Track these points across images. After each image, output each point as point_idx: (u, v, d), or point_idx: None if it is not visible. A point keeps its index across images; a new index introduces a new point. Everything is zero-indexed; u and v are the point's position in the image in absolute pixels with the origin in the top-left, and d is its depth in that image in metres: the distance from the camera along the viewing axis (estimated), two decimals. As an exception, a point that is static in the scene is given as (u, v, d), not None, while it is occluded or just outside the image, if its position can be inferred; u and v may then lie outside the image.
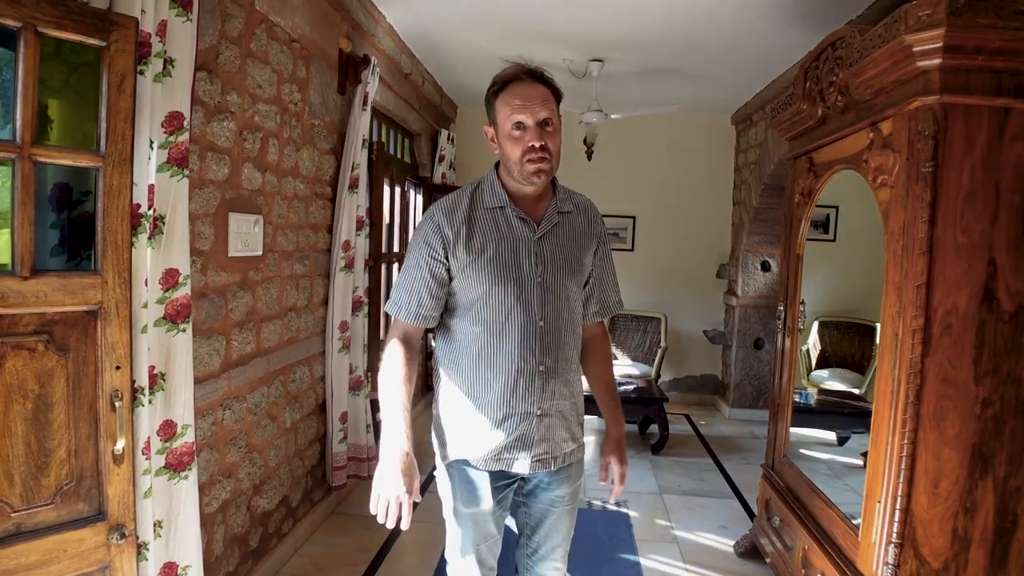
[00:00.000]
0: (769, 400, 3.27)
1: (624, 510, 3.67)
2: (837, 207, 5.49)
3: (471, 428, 1.65)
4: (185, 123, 1.97)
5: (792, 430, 3.15)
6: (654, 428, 4.82)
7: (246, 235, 2.58)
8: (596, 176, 6.13)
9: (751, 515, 3.69)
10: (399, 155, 5.07)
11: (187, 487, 2.01)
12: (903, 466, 2.02)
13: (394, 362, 1.62)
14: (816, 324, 5.52)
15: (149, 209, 1.82)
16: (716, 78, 4.80)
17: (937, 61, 1.90)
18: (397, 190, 4.90)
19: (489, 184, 1.68)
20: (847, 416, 4.47)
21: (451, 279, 1.64)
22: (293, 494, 3.08)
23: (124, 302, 1.68)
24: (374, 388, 3.83)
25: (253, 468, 2.70)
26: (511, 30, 4.03)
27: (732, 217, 6.11)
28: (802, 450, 4.12)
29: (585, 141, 5.32)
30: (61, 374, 1.60)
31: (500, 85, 1.60)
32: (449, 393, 1.70)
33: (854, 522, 2.29)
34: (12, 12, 1.47)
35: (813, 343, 5.49)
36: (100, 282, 1.64)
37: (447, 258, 1.61)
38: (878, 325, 5.10)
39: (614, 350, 6.18)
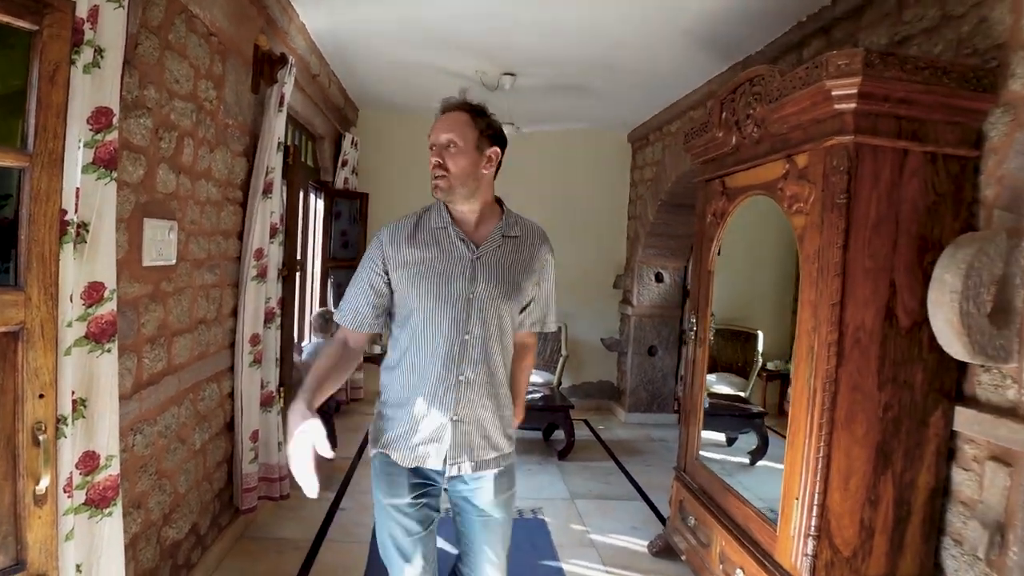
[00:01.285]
0: (680, 406, 3.46)
1: (541, 517, 3.72)
2: (720, 224, 5.92)
3: (395, 425, 1.79)
4: (115, 120, 1.78)
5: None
6: (558, 435, 4.93)
7: (160, 243, 2.37)
8: (499, 186, 6.14)
9: (659, 515, 3.88)
10: (303, 158, 4.85)
11: (110, 524, 1.81)
12: (820, 465, 2.22)
13: (325, 348, 1.85)
14: (705, 332, 5.92)
15: (75, 215, 1.63)
16: (619, 97, 5.01)
17: (852, 105, 2.12)
18: (320, 198, 4.68)
19: (437, 208, 1.84)
20: (736, 418, 4.82)
21: (392, 292, 1.80)
22: (202, 520, 2.85)
23: (50, 321, 1.50)
24: (286, 404, 3.63)
25: (163, 496, 2.47)
26: (426, 38, 3.99)
27: (628, 230, 6.39)
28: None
29: (489, 151, 5.36)
30: (-25, 405, 1.39)
31: (440, 112, 1.82)
32: (383, 393, 1.87)
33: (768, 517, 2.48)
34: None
35: (702, 350, 5.88)
36: (23, 299, 1.44)
37: (386, 272, 1.78)
38: (759, 333, 5.53)
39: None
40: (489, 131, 1.81)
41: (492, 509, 1.86)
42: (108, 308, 1.78)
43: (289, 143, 3.70)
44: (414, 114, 5.85)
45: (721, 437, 4.88)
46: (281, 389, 3.46)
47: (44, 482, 1.48)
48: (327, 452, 1.53)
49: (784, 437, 2.50)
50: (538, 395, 4.94)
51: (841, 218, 2.18)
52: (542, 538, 3.47)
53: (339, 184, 5.28)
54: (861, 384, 2.22)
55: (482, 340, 1.76)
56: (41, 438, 1.47)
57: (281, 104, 3.26)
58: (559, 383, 5.77)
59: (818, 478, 2.20)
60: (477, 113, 1.80)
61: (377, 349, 5.24)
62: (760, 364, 5.30)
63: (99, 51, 1.72)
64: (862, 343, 2.21)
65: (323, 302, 5.28)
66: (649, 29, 3.61)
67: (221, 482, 3.08)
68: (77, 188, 1.64)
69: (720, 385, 5.39)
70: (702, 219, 3.27)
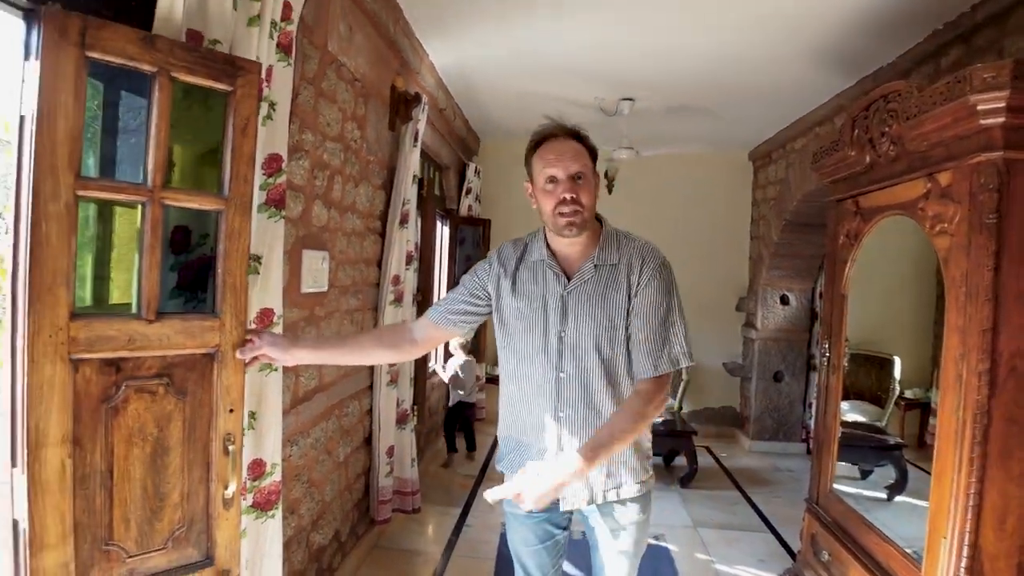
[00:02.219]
0: (809, 435, 3.34)
1: (663, 544, 3.69)
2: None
3: (506, 452, 1.85)
4: (283, 165, 2.02)
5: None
6: (679, 460, 4.85)
7: (316, 271, 2.61)
8: (617, 210, 6.15)
9: (787, 549, 3.73)
10: (431, 188, 5.13)
11: (272, 526, 2.02)
12: (971, 503, 2.08)
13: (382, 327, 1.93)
14: (837, 358, 5.63)
15: (251, 250, 1.85)
16: (739, 116, 4.95)
17: (1000, 120, 2.00)
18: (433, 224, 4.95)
19: (538, 239, 1.80)
20: (871, 449, 4.53)
21: (488, 310, 1.82)
22: (343, 528, 3.07)
23: (240, 344, 1.70)
24: (420, 421, 3.84)
25: (312, 503, 2.70)
26: (546, 68, 4.14)
27: (750, 251, 6.23)
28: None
29: (606, 174, 5.43)
30: (178, 417, 1.61)
31: (536, 142, 1.71)
32: (500, 415, 1.89)
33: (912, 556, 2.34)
34: (148, 57, 1.51)
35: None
36: (218, 324, 1.66)
37: (486, 290, 1.80)
38: (896, 358, 5.20)
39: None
40: (596, 156, 1.73)
41: (617, 534, 1.83)
42: (277, 332, 2.00)
43: (421, 175, 3.94)
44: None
45: (854, 469, 4.61)
46: (415, 407, 3.67)
47: (232, 487, 1.68)
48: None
49: (925, 471, 2.36)
50: (659, 420, 4.88)
51: (991, 239, 2.06)
52: (666, 566, 3.44)
53: (463, 211, 5.53)
54: (1018, 417, 2.07)
55: (579, 378, 1.69)
56: (230, 448, 1.67)
57: (416, 140, 3.50)
58: (680, 408, 5.69)
59: (969, 516, 2.06)
60: (585, 138, 1.72)
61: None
62: (897, 392, 4.97)
63: (272, 105, 1.97)
64: (1019, 372, 2.07)
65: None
66: (771, 47, 3.56)
67: (359, 493, 3.30)
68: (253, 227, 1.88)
69: (853, 414, 5.10)
70: (834, 240, 3.17)
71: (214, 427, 1.67)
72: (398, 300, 3.40)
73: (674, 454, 5.01)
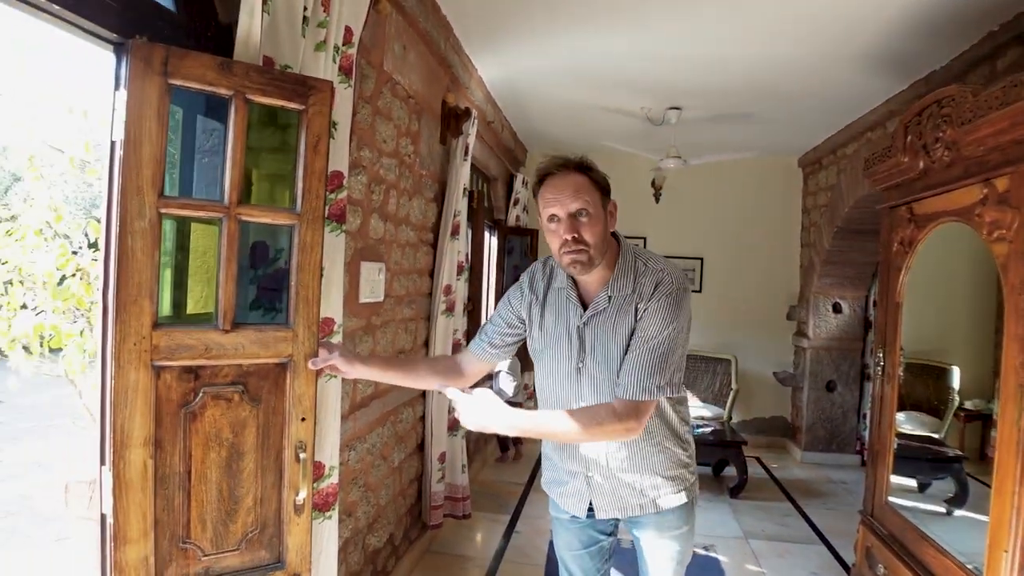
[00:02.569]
0: (864, 446, 3.28)
1: (713, 555, 3.66)
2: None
3: (547, 468, 1.93)
4: (344, 182, 2.11)
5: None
6: (729, 471, 4.80)
7: (373, 282, 2.71)
8: (664, 218, 6.25)
9: (841, 562, 3.67)
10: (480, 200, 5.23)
11: (330, 526, 2.10)
12: (1033, 518, 2.03)
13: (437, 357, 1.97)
14: (893, 367, 5.50)
15: (316, 263, 1.94)
16: (788, 122, 4.90)
17: (1060, 124, 1.96)
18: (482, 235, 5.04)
19: (556, 264, 1.75)
20: (929, 461, 4.41)
21: (525, 334, 1.85)
22: (397, 532, 3.15)
23: (312, 354, 1.78)
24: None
25: (368, 507, 2.78)
26: (592, 80, 4.19)
27: (801, 259, 6.15)
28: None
29: (653, 184, 5.44)
30: (252, 424, 1.70)
31: (537, 179, 1.69)
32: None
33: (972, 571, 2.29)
34: (225, 81, 1.61)
35: (890, 387, 5.46)
36: (291, 335, 1.74)
37: (521, 314, 1.83)
38: (954, 368, 5.06)
39: (687, 393, 6.18)
40: (605, 185, 1.67)
41: (659, 543, 1.85)
42: (337, 340, 2.09)
43: (476, 189, 4.03)
44: (580, 152, 6.04)
45: (911, 482, 4.49)
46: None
47: (303, 493, 1.76)
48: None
49: (987, 484, 2.31)
50: (708, 429, 4.86)
51: (1052, 246, 2.03)
52: (716, 576, 3.42)
53: (511, 222, 5.61)
54: (1083, 428, 2.02)
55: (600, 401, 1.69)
56: (301, 455, 1.75)
57: (466, 153, 3.59)
58: (729, 417, 5.63)
59: (1032, 531, 2.02)
60: (591, 169, 1.66)
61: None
62: (956, 403, 4.82)
63: (334, 125, 2.06)
64: (1082, 382, 2.02)
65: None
66: (819, 52, 3.53)
67: (412, 498, 3.39)
68: (318, 240, 1.97)
69: (909, 425, 4.96)
70: (888, 247, 3.13)
71: (287, 435, 1.75)
72: (449, 310, 3.48)
73: (723, 464, 4.96)
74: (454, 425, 3.58)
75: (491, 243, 5.62)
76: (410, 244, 3.19)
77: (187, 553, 1.61)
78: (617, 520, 1.93)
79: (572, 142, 5.85)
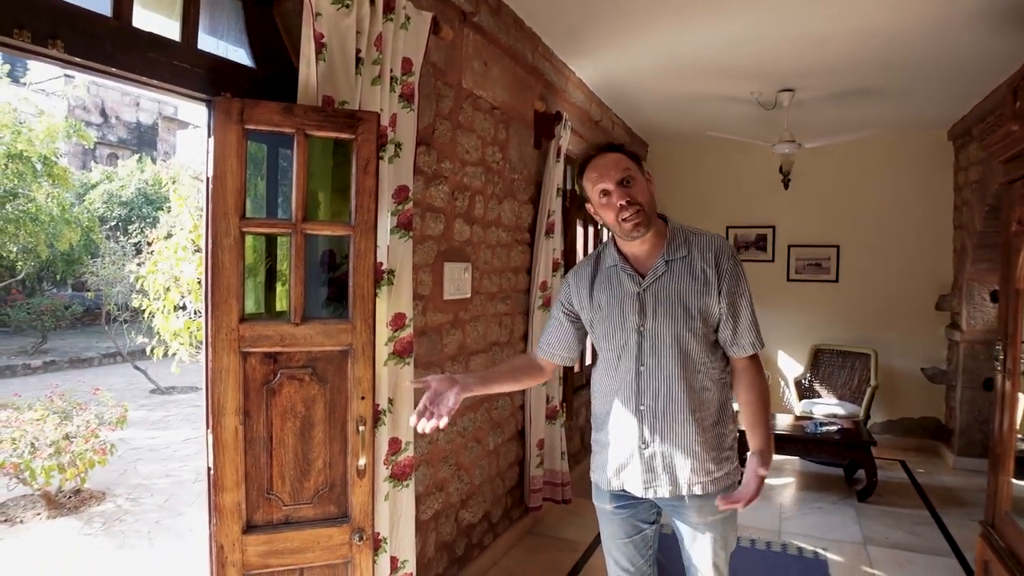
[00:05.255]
0: (989, 448, 2.97)
1: (823, 558, 3.50)
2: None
3: (597, 450, 2.00)
4: (409, 194, 2.41)
5: (1024, 483, 2.84)
6: (861, 473, 4.48)
7: (458, 280, 3.00)
8: (794, 205, 5.94)
9: None
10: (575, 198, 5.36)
11: (407, 494, 2.41)
12: None
13: (522, 356, 2.21)
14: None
15: (386, 265, 2.26)
16: (922, 94, 4.46)
17: None
18: (591, 230, 5.18)
19: (609, 247, 1.93)
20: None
21: (587, 330, 1.98)
22: (494, 511, 3.42)
23: (369, 344, 2.10)
24: (568, 417, 4.09)
25: (461, 484, 3.08)
26: (695, 70, 4.16)
27: (953, 242, 5.52)
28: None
29: (781, 169, 5.21)
30: (321, 400, 2.05)
31: (580, 167, 1.86)
32: (593, 417, 2.05)
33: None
34: (288, 122, 1.97)
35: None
36: (350, 327, 2.07)
37: (574, 312, 1.98)
38: None
39: (818, 388, 5.85)
40: (637, 157, 1.86)
41: (701, 528, 1.89)
42: (407, 332, 2.39)
43: (571, 187, 4.20)
44: (698, 141, 5.98)
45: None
46: (564, 404, 3.92)
47: (363, 460, 2.08)
48: (413, 420, 1.81)
49: None
50: (834, 428, 4.57)
51: None
52: (821, 578, 3.28)
53: (628, 217, 5.66)
54: None
55: (661, 370, 1.80)
56: (360, 428, 2.07)
57: (559, 155, 3.77)
58: (867, 417, 5.20)
59: None
60: (622, 146, 1.85)
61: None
62: None
63: (398, 145, 2.37)
64: None
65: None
66: (935, 16, 3.21)
67: (512, 481, 3.64)
68: (387, 246, 2.29)
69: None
70: (1007, 227, 2.83)
71: (349, 410, 2.08)
72: (546, 304, 3.68)
73: (855, 466, 4.63)
74: (552, 414, 3.78)
75: (608, 237, 5.69)
76: (502, 244, 3.45)
77: (271, 502, 1.99)
78: (659, 509, 1.98)
79: (688, 132, 5.77)
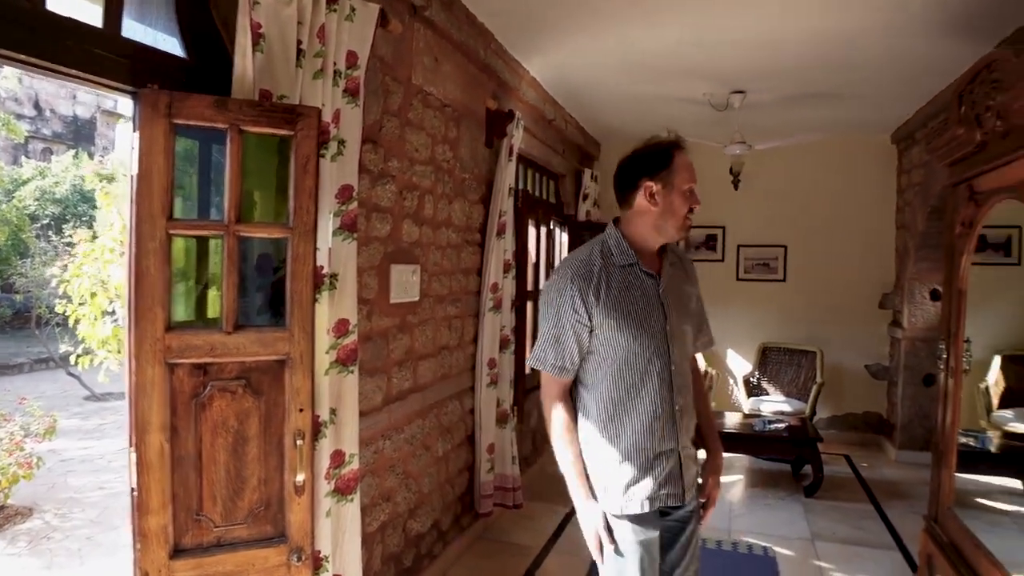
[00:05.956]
0: (932, 444, 3.04)
1: (772, 555, 3.53)
2: (1020, 227, 4.95)
3: (622, 476, 1.76)
4: (354, 193, 2.30)
5: (969, 477, 2.91)
6: (808, 469, 4.56)
7: (405, 283, 2.90)
8: (743, 205, 6.01)
9: (915, 569, 3.41)
10: (544, 196, 5.32)
11: (351, 509, 2.30)
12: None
13: (567, 431, 1.82)
14: (998, 359, 4.97)
15: (328, 268, 2.15)
16: (869, 98, 4.56)
17: (1105, 85, 1.76)
18: (543, 230, 5.14)
19: (615, 242, 1.83)
20: (1036, 463, 4.00)
21: (591, 338, 1.78)
22: (444, 519, 3.33)
23: (307, 352, 1.98)
24: (520, 421, 4.03)
25: (409, 493, 2.98)
26: (649, 70, 4.15)
27: (896, 242, 5.67)
28: (980, 500, 3.73)
29: (731, 170, 5.25)
30: (255, 413, 1.92)
31: (674, 149, 1.81)
32: (598, 443, 1.80)
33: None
34: (221, 116, 1.84)
35: (994, 380, 4.94)
36: (288, 336, 1.95)
37: (591, 320, 1.76)
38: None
39: (766, 385, 5.94)
40: None
41: (697, 529, 1.92)
42: (351, 339, 2.28)
43: (524, 186, 4.14)
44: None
45: (1016, 484, 4.07)
46: (515, 408, 3.86)
47: (301, 476, 1.96)
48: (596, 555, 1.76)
49: None
50: (782, 425, 4.63)
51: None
52: (770, 576, 3.30)
53: (581, 217, 5.64)
54: None
55: (682, 367, 1.82)
56: (298, 442, 1.96)
57: (511, 154, 3.70)
58: (813, 413, 5.31)
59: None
60: None
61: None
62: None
63: (341, 143, 2.26)
64: None
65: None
66: (885, 21, 3.28)
67: (463, 487, 3.56)
68: (330, 248, 2.18)
69: (1018, 422, 4.50)
70: (951, 229, 2.88)
71: (287, 424, 1.96)
72: (497, 307, 3.61)
73: (802, 462, 4.72)
74: (503, 418, 3.71)
75: (561, 238, 5.68)
76: (452, 245, 3.36)
77: (201, 524, 1.86)
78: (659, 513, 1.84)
79: (641, 133, 5.70)
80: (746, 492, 4.62)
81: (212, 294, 2.12)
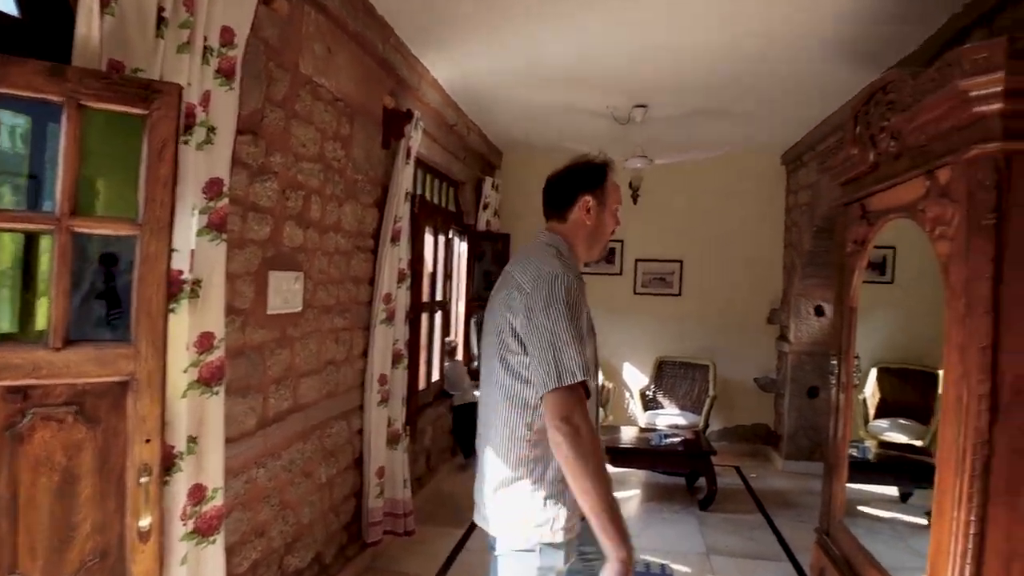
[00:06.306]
0: (823, 458, 3.08)
1: (670, 572, 3.48)
2: (894, 247, 5.27)
3: (569, 499, 1.61)
4: (225, 188, 2.01)
5: (849, 486, 2.96)
6: (702, 481, 4.62)
7: (286, 292, 2.60)
8: (642, 220, 6.06)
9: (805, 581, 3.47)
10: (443, 204, 5.12)
11: (213, 551, 1.99)
12: (970, 544, 1.86)
13: (599, 469, 1.51)
14: (874, 371, 5.25)
15: (189, 274, 1.85)
16: (765, 118, 4.71)
17: (997, 106, 1.78)
18: (441, 239, 4.93)
19: (567, 252, 1.76)
20: (909, 471, 4.21)
21: None
22: (327, 550, 3.04)
23: (157, 372, 1.67)
24: (413, 441, 3.78)
25: (286, 526, 2.67)
26: (554, 80, 4.07)
27: (784, 260, 5.92)
28: (861, 507, 3.86)
29: (631, 185, 5.27)
30: (90, 446, 1.59)
31: (607, 168, 1.83)
32: (541, 468, 1.63)
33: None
34: (55, 88, 1.52)
35: (871, 392, 5.21)
36: (132, 352, 1.64)
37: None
38: (941, 372, 4.84)
39: (661, 399, 6.01)
40: None
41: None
42: (217, 355, 1.98)
43: (423, 192, 3.92)
44: (553, 154, 5.93)
45: (893, 491, 4.28)
46: (407, 427, 3.61)
47: (146, 520, 1.65)
48: None
49: None
50: (678, 439, 4.67)
51: (990, 243, 1.83)
52: (670, 596, 3.24)
53: (481, 226, 5.49)
54: (1025, 447, 1.83)
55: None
56: (143, 480, 1.64)
57: (408, 156, 3.48)
58: (706, 426, 5.41)
59: (968, 560, 1.83)
60: None
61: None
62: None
63: (211, 130, 1.96)
64: (1025, 396, 1.83)
65: (466, 341, 5.49)
66: (784, 42, 3.36)
67: (349, 515, 3.27)
68: (192, 250, 1.88)
69: (893, 432, 4.76)
70: (842, 248, 2.94)
71: (129, 457, 1.64)
72: (390, 318, 3.36)
73: (696, 475, 4.78)
74: (395, 438, 3.46)
75: (461, 248, 5.50)
76: (341, 252, 3.09)
77: (14, 585, 1.51)
78: None
79: (543, 144, 5.72)
80: (642, 507, 4.60)
81: (44, 302, 1.76)
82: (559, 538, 1.61)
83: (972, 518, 1.84)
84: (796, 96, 4.20)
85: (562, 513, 1.62)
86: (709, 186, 6.10)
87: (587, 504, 1.49)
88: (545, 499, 1.62)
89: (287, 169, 2.61)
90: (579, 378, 1.50)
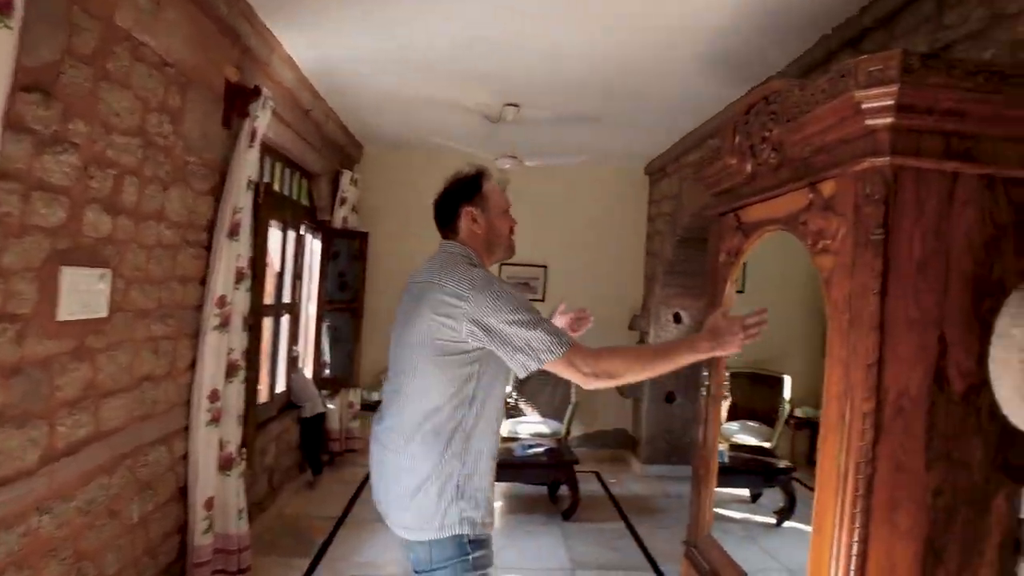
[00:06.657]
0: (692, 470, 3.04)
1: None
2: (745, 263, 5.52)
3: (485, 490, 1.74)
4: (-11, 153, 1.52)
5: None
6: (565, 490, 4.56)
7: (86, 293, 2.09)
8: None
9: (667, 590, 3.44)
10: (296, 196, 4.64)
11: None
12: (853, 565, 1.81)
13: (643, 350, 1.93)
14: (726, 375, 5.48)
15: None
16: (632, 128, 4.72)
17: (888, 120, 1.74)
18: (291, 235, 4.45)
19: (477, 259, 1.86)
20: (759, 473, 4.39)
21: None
22: (141, 603, 2.52)
23: None
24: (251, 463, 3.29)
25: (83, 581, 2.15)
26: (423, 70, 3.78)
27: (645, 268, 6.02)
28: (716, 509, 3.93)
29: (498, 184, 5.08)
30: None
31: (482, 175, 1.94)
32: (475, 459, 1.72)
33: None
34: None
35: (724, 395, 5.44)
36: None
37: None
38: (786, 377, 5.12)
39: (523, 406, 5.90)
40: None
41: None
42: (-27, 376, 1.49)
43: (271, 181, 3.46)
44: (417, 150, 5.65)
45: (745, 492, 4.45)
46: (244, 449, 3.12)
47: None
48: None
49: (814, 490, 2.10)
50: (541, 449, 4.58)
51: (877, 257, 1.78)
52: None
53: (337, 223, 5.05)
54: (905, 463, 1.80)
55: None
56: None
57: (253, 139, 3.02)
58: (567, 433, 5.36)
59: (850, 579, 1.78)
60: None
61: (376, 396, 4.96)
62: (787, 412, 4.89)
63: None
64: (906, 412, 1.80)
65: (317, 347, 5.02)
66: (658, 52, 3.33)
67: (171, 555, 2.76)
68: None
69: (743, 435, 4.95)
70: (714, 257, 2.90)
71: None
72: (224, 324, 2.88)
73: (558, 485, 4.72)
74: (228, 463, 2.96)
75: (313, 246, 5.04)
76: (164, 245, 2.58)
77: None
78: None
79: (407, 139, 5.41)
80: (504, 519, 4.41)
81: None
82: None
83: (856, 540, 1.78)
84: (664, 108, 4.23)
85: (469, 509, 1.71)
86: (576, 191, 6.08)
87: (673, 366, 1.85)
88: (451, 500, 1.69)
89: (93, 141, 2.11)
90: (561, 342, 1.64)
